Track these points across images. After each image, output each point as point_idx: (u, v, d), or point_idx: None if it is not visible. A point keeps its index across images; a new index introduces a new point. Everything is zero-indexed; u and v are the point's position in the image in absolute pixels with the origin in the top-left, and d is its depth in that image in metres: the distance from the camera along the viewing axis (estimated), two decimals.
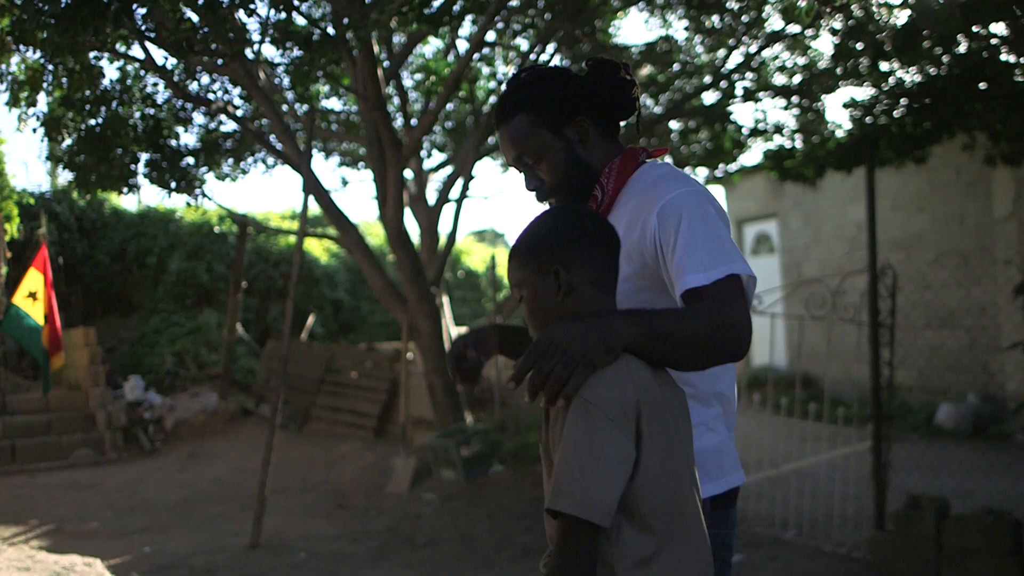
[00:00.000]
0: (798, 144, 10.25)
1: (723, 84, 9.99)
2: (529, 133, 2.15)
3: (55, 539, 7.41)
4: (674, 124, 10.89)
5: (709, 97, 10.51)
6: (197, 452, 11.30)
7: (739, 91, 9.95)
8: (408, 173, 10.37)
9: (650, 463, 1.66)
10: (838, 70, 8.95)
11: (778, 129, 10.25)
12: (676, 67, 10.35)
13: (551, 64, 9.32)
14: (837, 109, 45.24)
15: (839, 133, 9.75)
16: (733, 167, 11.60)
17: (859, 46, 8.37)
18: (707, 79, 10.24)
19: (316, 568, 6.82)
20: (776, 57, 10.02)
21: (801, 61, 9.94)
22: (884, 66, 8.37)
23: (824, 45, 21.32)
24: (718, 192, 16.20)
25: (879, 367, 6.17)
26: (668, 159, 1.64)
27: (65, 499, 9.09)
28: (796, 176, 10.28)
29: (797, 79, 9.93)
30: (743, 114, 48.58)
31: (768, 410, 8.13)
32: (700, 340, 1.78)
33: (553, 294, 1.80)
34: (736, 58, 9.95)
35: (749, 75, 9.95)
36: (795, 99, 9.86)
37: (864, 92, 8.98)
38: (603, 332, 1.69)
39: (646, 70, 10.51)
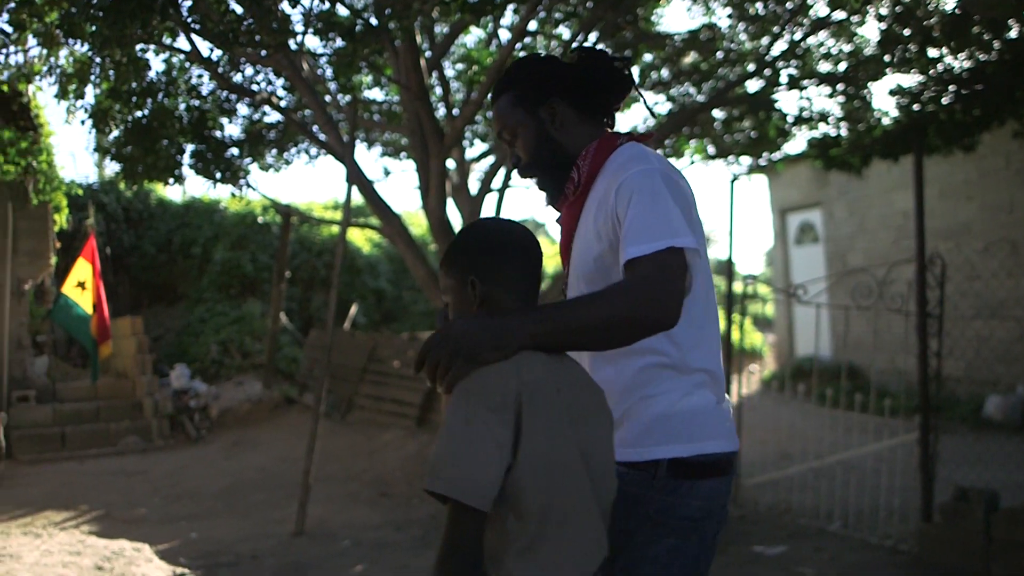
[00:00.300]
0: (843, 132, 10.12)
1: (767, 72, 9.87)
2: (508, 111, 2.29)
3: (104, 524, 7.52)
4: (717, 113, 10.79)
5: (753, 85, 10.40)
6: (242, 440, 11.42)
7: (784, 79, 9.83)
8: (450, 163, 10.37)
9: (530, 453, 1.72)
10: (885, 57, 8.81)
11: (823, 117, 10.12)
12: (719, 55, 10.25)
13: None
14: (884, 96, 44.67)
15: (886, 121, 9.61)
16: (777, 156, 11.47)
17: (907, 32, 8.23)
18: (751, 67, 10.13)
19: (360, 555, 6.87)
20: (821, 44, 9.88)
21: (847, 48, 9.79)
22: (932, 52, 8.23)
23: (871, 31, 21.04)
24: (760, 181, 16.06)
25: (927, 358, 6.09)
26: (640, 147, 1.72)
27: (113, 485, 9.23)
28: (841, 165, 10.15)
29: (843, 66, 9.79)
30: (788, 102, 48.21)
31: (813, 401, 8.06)
32: (616, 320, 1.85)
33: (470, 302, 1.94)
34: (780, 45, 9.84)
35: (794, 62, 9.83)
36: (841, 86, 9.72)
37: (912, 79, 8.84)
38: (496, 331, 1.80)
39: (689, 58, 10.43)
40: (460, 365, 1.79)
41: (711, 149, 11.05)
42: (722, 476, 2.09)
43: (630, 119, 27.46)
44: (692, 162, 10.81)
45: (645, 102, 2.51)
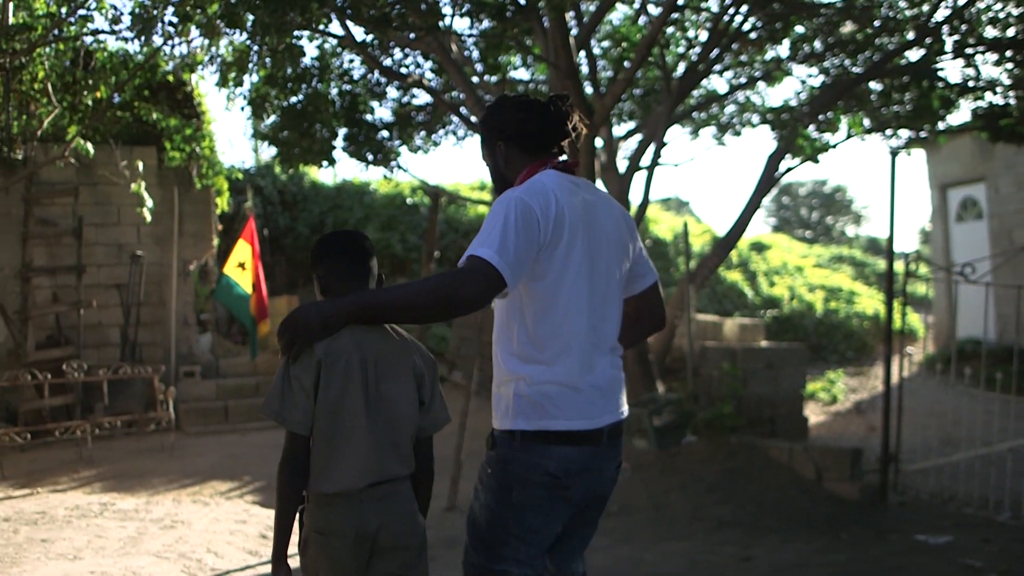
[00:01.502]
0: (1012, 102, 9.60)
1: (929, 40, 9.44)
2: (480, 148, 2.94)
3: (266, 495, 7.80)
4: (874, 84, 10.38)
5: (913, 54, 9.97)
6: None
7: (948, 46, 9.38)
8: (598, 141, 10.31)
9: (323, 399, 2.47)
10: None
11: (991, 86, 9.63)
12: (876, 24, 9.85)
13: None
14: None
15: None
16: (939, 128, 10.97)
17: None
18: (910, 35, 9.71)
19: None
20: (988, 8, 9.38)
21: (1016, 11, 9.27)
22: None
23: None
24: (918, 155, 15.39)
25: None
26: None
27: (273, 458, 9.52)
28: (1010, 136, 9.64)
29: (1012, 32, 9.28)
30: (951, 71, 45.93)
31: (981, 385, 7.70)
32: (417, 303, 2.45)
33: (319, 292, 2.71)
34: (943, 11, 9.39)
35: (959, 28, 9.35)
36: (1009, 53, 9.21)
37: None
38: (322, 312, 2.48)
39: (846, 28, 10.06)
40: (300, 343, 2.48)
41: (867, 122, 10.65)
42: (575, 445, 2.59)
43: (782, 92, 26.70)
44: (848, 136, 10.45)
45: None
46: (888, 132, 10.65)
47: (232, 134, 47.42)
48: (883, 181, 10.80)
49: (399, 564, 2.58)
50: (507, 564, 2.66)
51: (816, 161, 10.12)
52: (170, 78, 11.56)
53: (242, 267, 10.68)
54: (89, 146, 8.69)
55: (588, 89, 10.27)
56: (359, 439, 2.50)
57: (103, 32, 8.99)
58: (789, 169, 10.16)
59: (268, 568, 5.03)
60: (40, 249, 10.85)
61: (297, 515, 2.59)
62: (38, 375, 9.27)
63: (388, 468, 2.53)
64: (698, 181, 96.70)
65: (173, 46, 9.69)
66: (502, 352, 2.68)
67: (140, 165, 10.02)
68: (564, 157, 2.84)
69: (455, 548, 6.44)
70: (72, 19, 8.68)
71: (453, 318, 2.67)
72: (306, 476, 2.51)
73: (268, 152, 18.49)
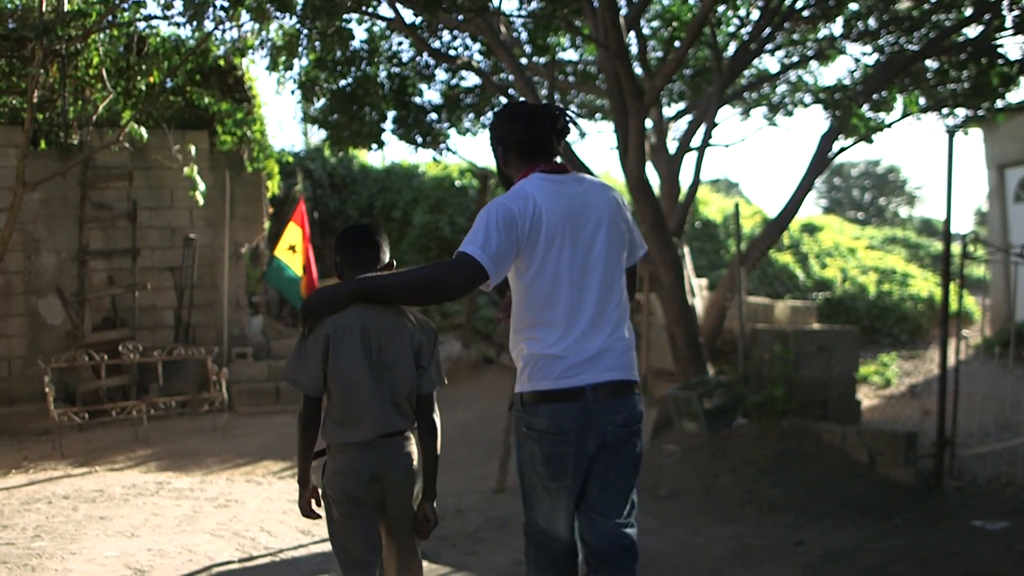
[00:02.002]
0: None
1: (987, 16, 9.22)
2: (491, 150, 3.39)
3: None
4: (930, 62, 10.17)
5: (971, 31, 9.74)
6: (442, 398, 11.57)
7: (1008, 22, 9.15)
8: (647, 122, 10.22)
9: (332, 367, 2.98)
10: None
11: None
12: (932, 0, 9.63)
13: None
14: None
15: None
16: (998, 106, 10.70)
17: None
18: (968, 11, 9.49)
19: None
20: None
21: None
22: None
23: None
24: (974, 135, 15.07)
25: None
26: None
27: None
28: None
29: None
30: (1011, 48, 44.95)
31: None
32: (410, 286, 2.97)
33: (338, 276, 3.24)
34: None
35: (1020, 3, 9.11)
36: None
37: None
38: (332, 294, 3.00)
39: (902, 4, 9.86)
40: (312, 319, 3.00)
41: (923, 101, 10.43)
42: (560, 403, 3.01)
43: (835, 71, 26.31)
44: (903, 115, 10.24)
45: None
46: (945, 111, 10.43)
47: (282, 118, 47.75)
48: (938, 161, 10.57)
49: (397, 492, 3.11)
50: (540, 523, 3.12)
51: (870, 141, 9.94)
52: (221, 62, 11.67)
53: (293, 250, 10.76)
54: (143, 130, 8.79)
55: (638, 70, 10.18)
56: (368, 400, 2.99)
57: (156, 17, 9.10)
58: (843, 149, 9.99)
59: (321, 548, 5.09)
60: (96, 233, 11.03)
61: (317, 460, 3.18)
62: (95, 356, 9.44)
63: (393, 423, 3.05)
64: (748, 162, 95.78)
65: (224, 30, 9.77)
66: (512, 331, 3.21)
67: (192, 149, 10.13)
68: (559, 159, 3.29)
69: (505, 529, 6.47)
70: (125, 5, 8.78)
71: (443, 302, 3.13)
72: (316, 427, 3.06)
73: (317, 135, 18.63)
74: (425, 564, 4.55)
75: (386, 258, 3.24)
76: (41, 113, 10.40)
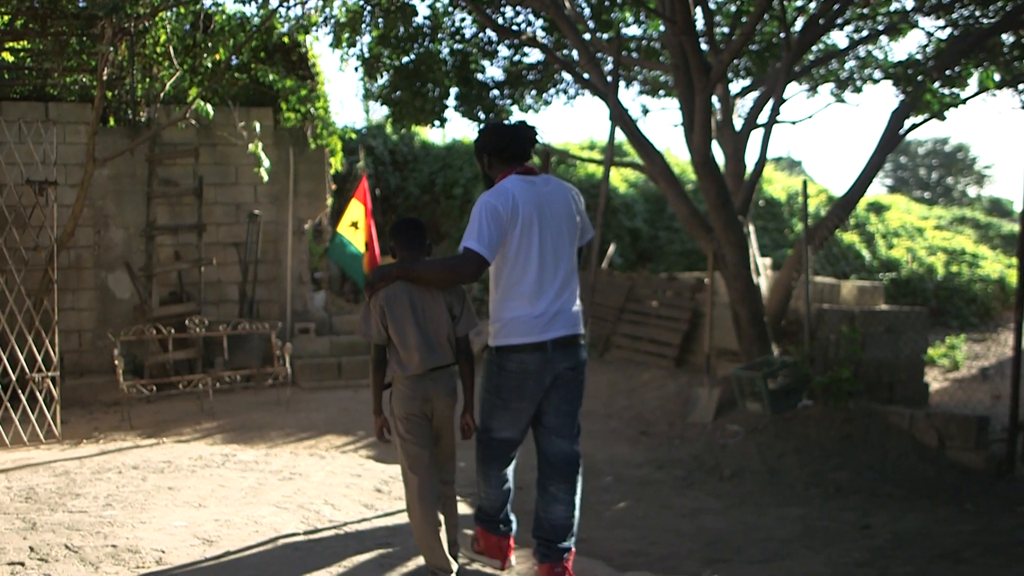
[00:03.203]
0: None
1: None
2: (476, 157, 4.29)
3: (379, 450, 7.92)
4: (1007, 36, 9.87)
5: None
6: None
7: None
8: (713, 99, 10.08)
9: (390, 323, 3.88)
10: None
11: None
12: None
13: None
14: None
15: None
16: None
17: None
18: None
19: (623, 491, 6.92)
20: None
21: None
22: None
23: None
24: None
25: None
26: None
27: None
28: None
29: None
30: None
31: None
32: (434, 275, 3.91)
33: (392, 256, 4.14)
34: None
35: None
36: None
37: None
38: (382, 272, 3.91)
39: None
40: (370, 288, 3.94)
41: (997, 77, 10.14)
42: (526, 353, 3.95)
43: (906, 46, 25.66)
44: (978, 91, 9.97)
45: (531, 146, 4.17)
46: (1021, 87, 10.14)
47: (343, 95, 48.02)
48: (1010, 139, 10.27)
49: (442, 407, 4.02)
50: (494, 431, 4.14)
51: (943, 118, 9.71)
52: (285, 40, 11.73)
53: (355, 226, 10.79)
54: (209, 108, 8.87)
55: (704, 45, 10.04)
56: (417, 345, 3.91)
57: None
58: (914, 126, 9.75)
59: (384, 521, 5.12)
60: (163, 208, 11.18)
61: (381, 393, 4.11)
62: (162, 330, 9.59)
63: (437, 359, 3.96)
64: (810, 140, 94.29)
65: (288, 8, 9.82)
66: (491, 298, 4.12)
67: (257, 126, 10.21)
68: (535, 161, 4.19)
69: None
70: None
71: (459, 284, 4.02)
72: (383, 367, 4.02)
73: (379, 113, 18.68)
74: None
75: (426, 242, 4.10)
76: (110, 91, 10.55)
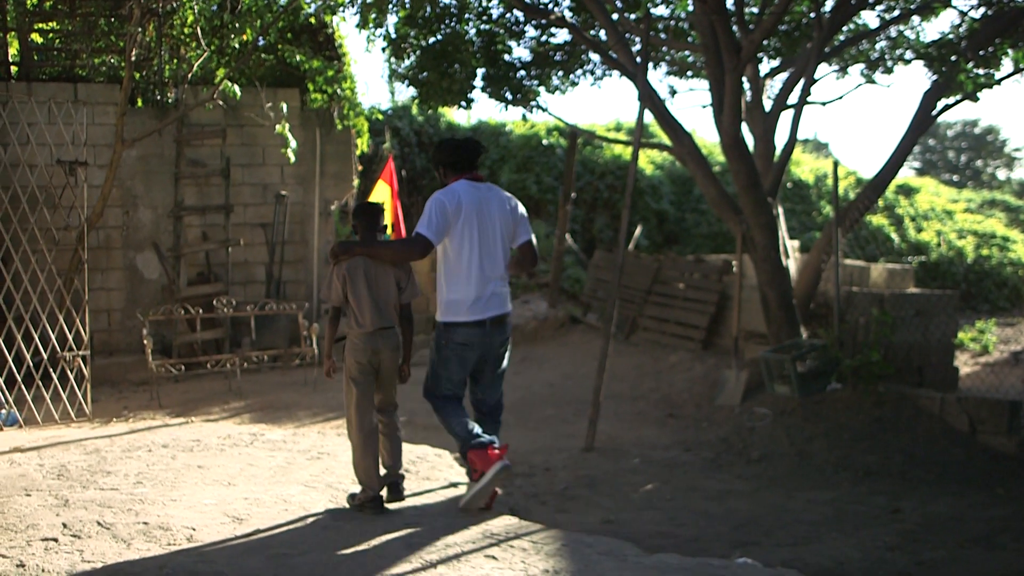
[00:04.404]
0: None
1: None
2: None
3: (407, 430, 7.87)
4: None
5: None
6: (529, 356, 11.73)
7: None
8: (742, 80, 9.98)
9: (350, 290, 4.69)
10: None
11: None
12: None
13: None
14: None
15: None
16: None
17: None
18: None
19: (651, 473, 6.90)
20: None
21: None
22: None
23: None
24: None
25: None
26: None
27: (413, 395, 9.68)
28: None
29: None
30: None
31: None
32: (390, 253, 4.76)
33: (355, 234, 4.95)
34: None
35: None
36: None
37: None
38: (346, 247, 4.70)
39: None
40: (337, 259, 4.70)
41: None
42: (468, 328, 4.80)
43: (938, 26, 25.35)
44: (1012, 73, 9.81)
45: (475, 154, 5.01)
46: None
47: (369, 76, 47.98)
48: None
49: (387, 360, 4.83)
50: (441, 390, 4.98)
51: (976, 99, 9.56)
52: (312, 20, 11.71)
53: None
54: (236, 88, 8.87)
55: (733, 26, 9.93)
56: (370, 308, 4.72)
57: None
58: (947, 107, 9.62)
59: (411, 501, 5.13)
60: (191, 189, 11.23)
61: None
62: (190, 310, 9.64)
63: (385, 320, 4.78)
64: (837, 122, 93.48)
65: None
66: (438, 281, 4.95)
67: (284, 107, 10.20)
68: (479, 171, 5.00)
69: (594, 488, 6.46)
70: None
71: (409, 262, 4.85)
72: (337, 323, 4.88)
73: (405, 94, 18.63)
74: (516, 520, 4.57)
75: (382, 222, 5.10)
76: (138, 72, 10.57)
